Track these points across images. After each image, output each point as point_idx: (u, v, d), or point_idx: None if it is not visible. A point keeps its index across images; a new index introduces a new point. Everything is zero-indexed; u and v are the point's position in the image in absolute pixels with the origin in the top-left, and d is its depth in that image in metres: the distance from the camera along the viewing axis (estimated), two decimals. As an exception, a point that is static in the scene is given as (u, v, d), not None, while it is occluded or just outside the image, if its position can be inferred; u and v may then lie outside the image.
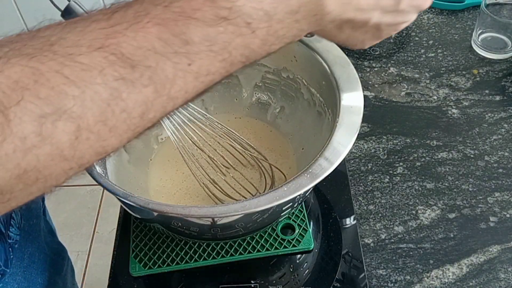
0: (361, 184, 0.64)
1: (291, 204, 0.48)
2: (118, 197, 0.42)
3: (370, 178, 0.65)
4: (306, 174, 0.42)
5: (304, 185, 0.42)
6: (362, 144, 0.68)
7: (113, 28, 0.28)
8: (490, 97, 0.73)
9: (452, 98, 0.73)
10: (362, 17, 0.36)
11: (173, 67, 0.28)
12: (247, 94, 0.64)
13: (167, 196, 0.57)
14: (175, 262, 0.53)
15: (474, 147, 0.67)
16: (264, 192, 0.54)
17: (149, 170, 0.60)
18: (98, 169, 0.46)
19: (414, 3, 0.38)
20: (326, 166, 0.43)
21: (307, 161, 0.54)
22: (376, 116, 0.72)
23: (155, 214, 0.45)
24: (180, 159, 0.54)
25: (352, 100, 0.49)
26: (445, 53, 0.80)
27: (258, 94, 0.63)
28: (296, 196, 0.42)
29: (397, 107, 0.73)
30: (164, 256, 0.54)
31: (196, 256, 0.54)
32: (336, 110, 0.49)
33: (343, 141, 0.45)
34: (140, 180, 0.58)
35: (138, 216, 0.51)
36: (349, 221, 0.60)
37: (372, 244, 0.59)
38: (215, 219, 0.44)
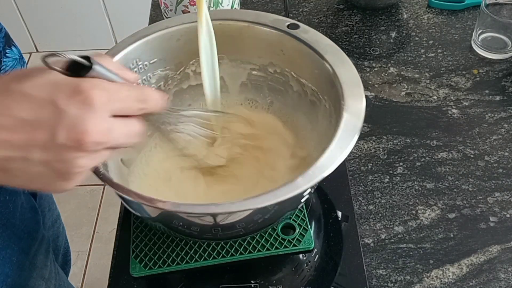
0: (361, 184, 0.64)
1: (295, 201, 0.49)
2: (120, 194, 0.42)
3: (370, 178, 0.65)
4: (309, 172, 0.42)
5: (307, 183, 0.42)
6: (362, 144, 0.69)
7: None
8: (490, 97, 0.73)
9: (452, 98, 0.74)
10: (19, 155, 0.33)
11: None
12: (234, 94, 0.64)
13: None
14: (176, 262, 0.53)
15: (474, 147, 0.67)
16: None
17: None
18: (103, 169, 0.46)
19: (72, 136, 0.33)
20: (328, 163, 0.43)
21: (305, 151, 0.55)
22: (376, 116, 0.72)
23: (159, 212, 0.45)
24: (174, 163, 0.55)
25: (351, 83, 0.50)
26: (445, 53, 0.80)
27: (245, 93, 0.63)
28: (301, 193, 0.42)
29: (397, 107, 0.73)
30: (165, 256, 0.54)
31: (196, 256, 0.54)
32: (334, 94, 0.50)
33: (351, 126, 0.46)
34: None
35: (139, 215, 0.51)
36: (349, 221, 0.60)
37: (372, 244, 0.59)
38: (217, 218, 0.44)
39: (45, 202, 0.79)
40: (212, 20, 0.55)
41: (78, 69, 0.35)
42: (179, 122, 0.48)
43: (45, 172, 0.35)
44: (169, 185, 0.57)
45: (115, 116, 0.35)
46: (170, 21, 0.57)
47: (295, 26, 0.55)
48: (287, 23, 0.56)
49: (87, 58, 0.35)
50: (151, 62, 0.57)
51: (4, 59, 0.64)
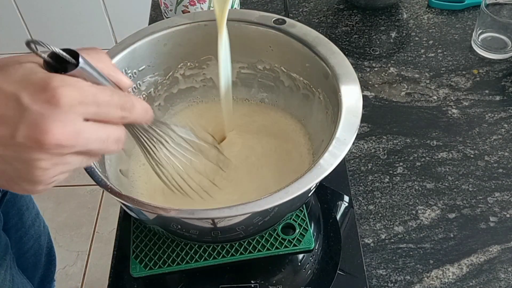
0: (361, 184, 0.64)
1: (294, 203, 0.48)
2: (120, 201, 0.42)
3: (370, 178, 0.65)
4: (309, 173, 0.42)
5: (306, 184, 0.42)
6: (362, 144, 0.68)
7: None
8: (490, 97, 0.73)
9: (452, 98, 0.74)
10: None
11: None
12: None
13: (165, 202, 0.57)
14: (176, 262, 0.53)
15: (474, 147, 0.67)
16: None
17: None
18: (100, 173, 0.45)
19: (32, 135, 0.30)
20: (327, 164, 0.43)
21: (299, 147, 0.56)
22: (376, 116, 0.72)
23: (155, 216, 0.45)
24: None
25: (345, 73, 0.50)
26: (445, 53, 0.80)
27: (235, 91, 0.63)
28: (298, 196, 0.42)
29: (397, 107, 0.73)
30: (165, 256, 0.54)
31: (196, 257, 0.54)
32: (328, 86, 0.50)
33: (349, 121, 0.46)
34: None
35: (137, 217, 0.51)
36: (349, 221, 0.60)
37: (372, 244, 0.59)
38: (216, 221, 0.44)
39: (22, 200, 0.76)
40: (197, 22, 0.55)
41: (64, 64, 0.32)
42: (167, 142, 0.45)
43: (7, 170, 0.33)
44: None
45: (90, 120, 0.33)
46: (155, 26, 0.57)
47: (282, 21, 0.55)
48: (273, 19, 0.56)
49: (76, 54, 0.32)
50: (140, 69, 0.57)
51: None
